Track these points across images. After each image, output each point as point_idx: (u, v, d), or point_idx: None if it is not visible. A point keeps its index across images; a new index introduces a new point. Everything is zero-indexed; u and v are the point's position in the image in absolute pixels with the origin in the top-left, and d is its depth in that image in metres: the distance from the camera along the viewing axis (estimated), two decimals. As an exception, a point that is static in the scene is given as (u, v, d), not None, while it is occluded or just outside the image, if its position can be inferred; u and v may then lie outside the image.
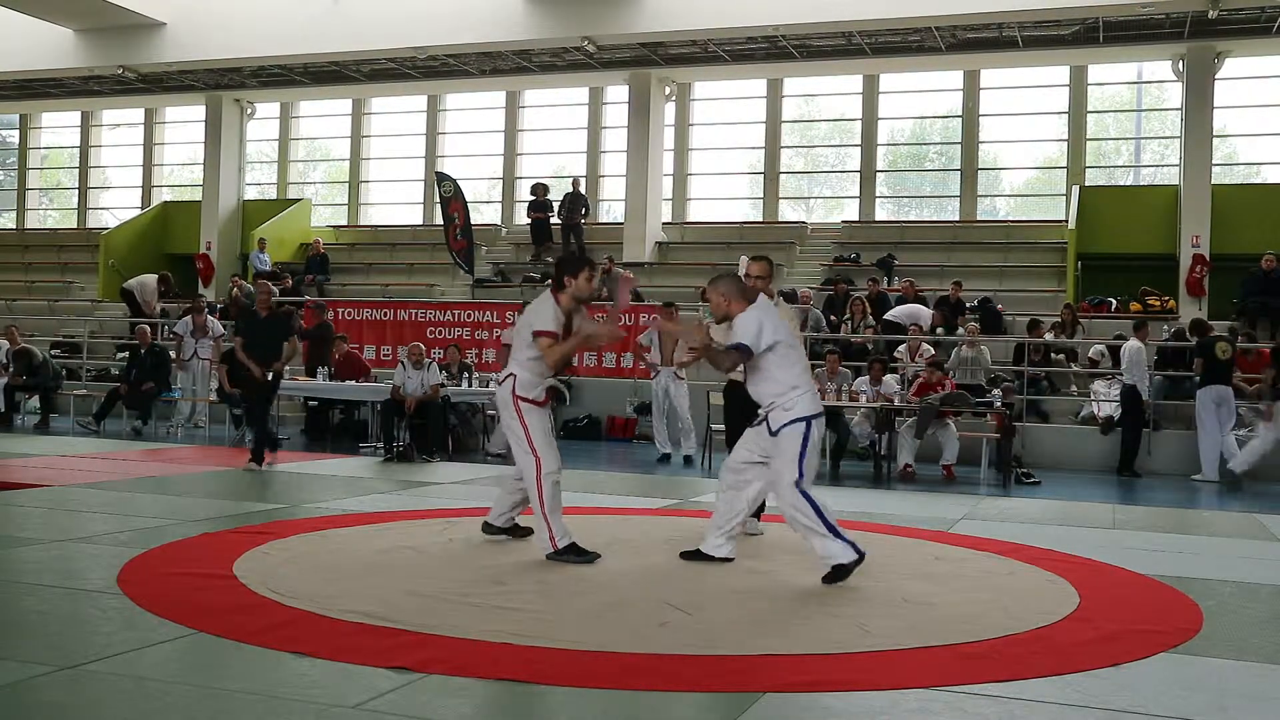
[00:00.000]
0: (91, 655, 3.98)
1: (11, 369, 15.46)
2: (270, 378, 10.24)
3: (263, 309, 10.40)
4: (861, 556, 5.56)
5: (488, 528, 6.53)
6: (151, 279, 19.04)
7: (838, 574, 5.53)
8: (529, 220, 19.66)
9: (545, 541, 5.97)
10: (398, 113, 22.54)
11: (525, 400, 6.02)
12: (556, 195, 19.57)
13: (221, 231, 21.44)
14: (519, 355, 6.11)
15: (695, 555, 6.07)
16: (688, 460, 12.27)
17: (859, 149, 19.81)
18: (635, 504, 8.62)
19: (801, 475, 5.53)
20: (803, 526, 5.57)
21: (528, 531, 6.39)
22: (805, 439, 5.55)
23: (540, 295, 6.25)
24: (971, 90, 19.04)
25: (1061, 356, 14.55)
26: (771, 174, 20.22)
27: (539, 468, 5.94)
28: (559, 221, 19.43)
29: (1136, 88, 19.53)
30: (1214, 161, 16.88)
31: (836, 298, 15.99)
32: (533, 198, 19.44)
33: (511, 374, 6.09)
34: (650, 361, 12.70)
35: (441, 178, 19.13)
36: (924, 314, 15.01)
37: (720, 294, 5.71)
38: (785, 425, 5.59)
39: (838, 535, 5.53)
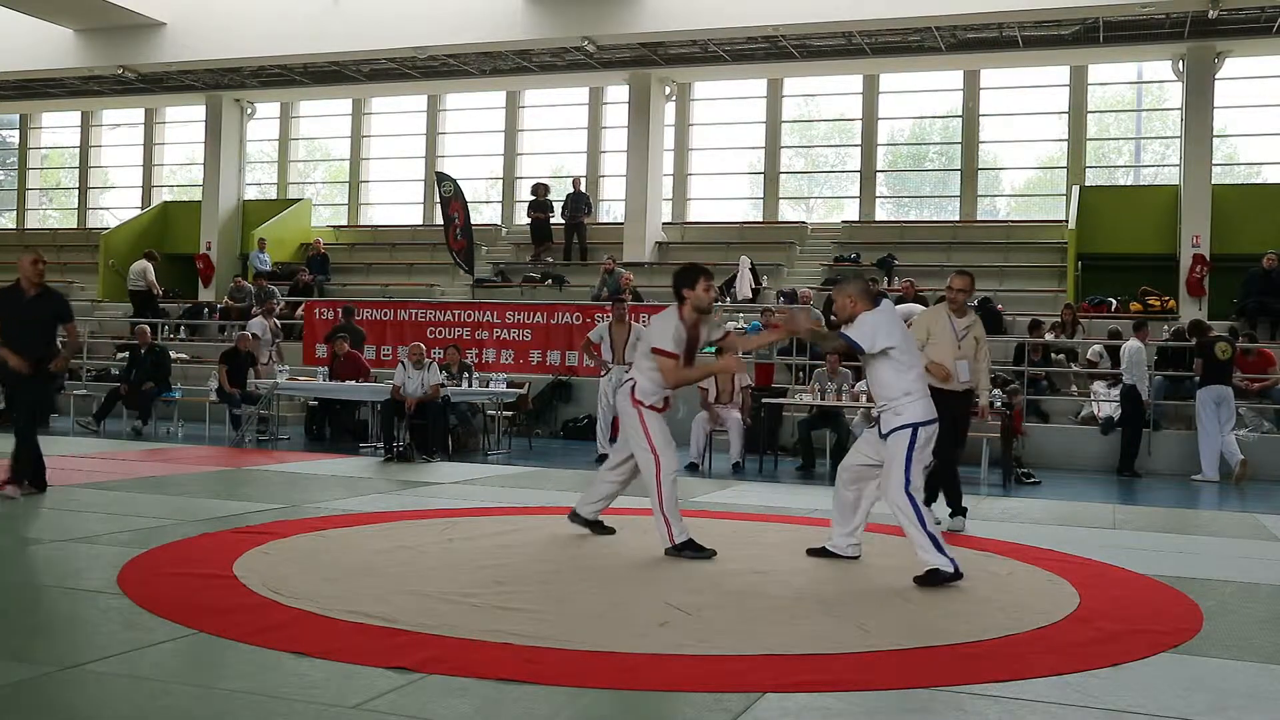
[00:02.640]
0: (91, 655, 3.98)
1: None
2: (39, 373, 7.95)
3: (29, 287, 7.97)
4: (958, 574, 5.59)
5: (575, 517, 6.76)
6: (145, 263, 19.03)
7: (931, 578, 5.59)
8: (529, 220, 19.66)
9: (665, 538, 6.16)
10: (398, 113, 22.56)
11: (644, 406, 6.23)
12: (558, 195, 19.59)
13: (221, 231, 21.45)
14: (640, 364, 6.36)
15: (820, 552, 6.22)
16: None
17: (859, 149, 19.82)
18: (635, 504, 8.61)
19: (909, 480, 5.66)
20: (907, 527, 5.70)
21: (609, 530, 6.71)
22: (911, 444, 5.67)
23: (667, 308, 6.44)
24: (971, 90, 19.05)
25: (1061, 356, 14.55)
26: (771, 174, 20.22)
27: (659, 467, 6.14)
28: (561, 221, 19.46)
29: (1136, 88, 19.54)
30: (1214, 161, 16.89)
31: (837, 298, 15.97)
32: (533, 197, 19.46)
33: (633, 379, 6.33)
34: (601, 359, 12.24)
35: (441, 178, 19.14)
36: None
37: (848, 296, 5.89)
38: (893, 430, 5.72)
39: (939, 548, 5.62)
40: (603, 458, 12.10)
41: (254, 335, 14.83)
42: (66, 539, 6.32)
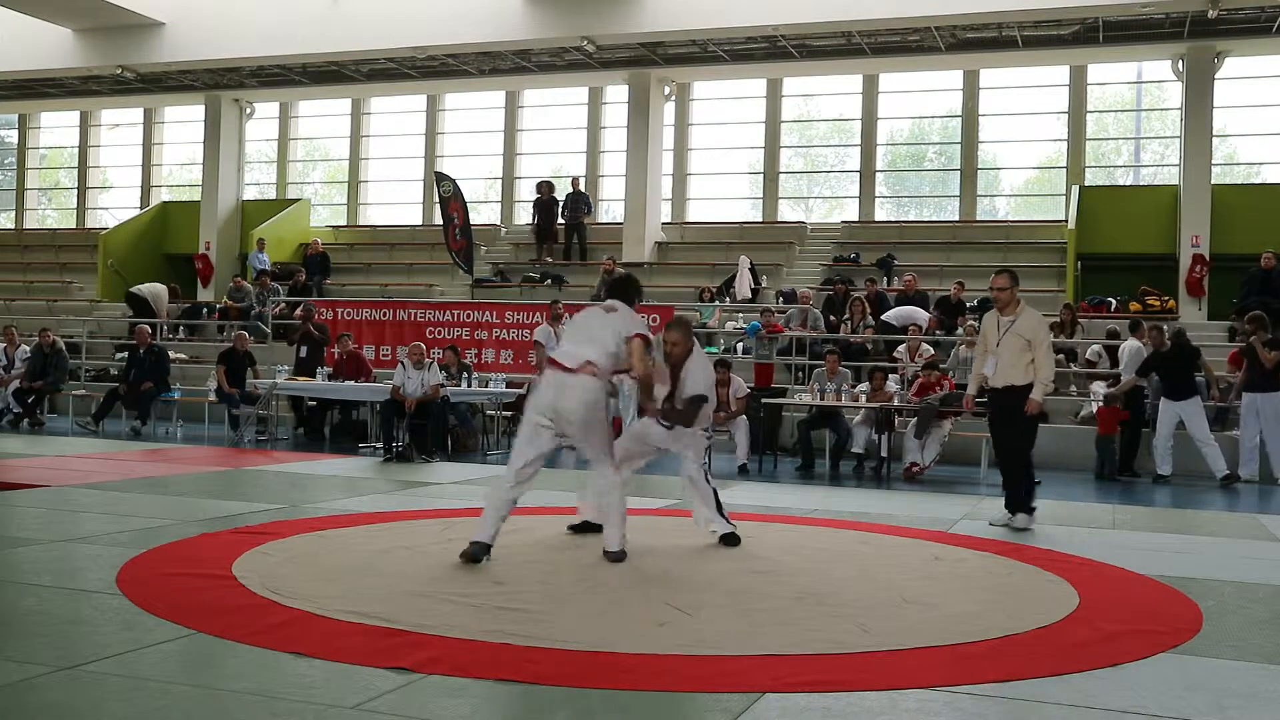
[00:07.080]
0: (91, 655, 3.98)
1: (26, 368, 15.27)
2: None
3: None
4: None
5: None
6: (163, 289, 19.03)
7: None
8: (533, 218, 19.63)
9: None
10: (397, 113, 22.55)
11: None
12: (557, 195, 19.57)
13: (221, 231, 21.44)
14: None
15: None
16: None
17: (858, 149, 19.82)
18: (633, 504, 8.59)
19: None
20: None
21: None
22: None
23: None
24: (971, 90, 19.04)
25: (1061, 357, 14.52)
26: (771, 174, 20.22)
27: None
28: (561, 221, 19.45)
29: (1136, 88, 19.54)
30: (1214, 161, 16.89)
31: (836, 298, 15.99)
32: (538, 195, 19.44)
33: None
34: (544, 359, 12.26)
35: (441, 178, 19.13)
36: (920, 315, 14.92)
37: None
38: None
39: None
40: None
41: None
42: (66, 539, 6.32)
